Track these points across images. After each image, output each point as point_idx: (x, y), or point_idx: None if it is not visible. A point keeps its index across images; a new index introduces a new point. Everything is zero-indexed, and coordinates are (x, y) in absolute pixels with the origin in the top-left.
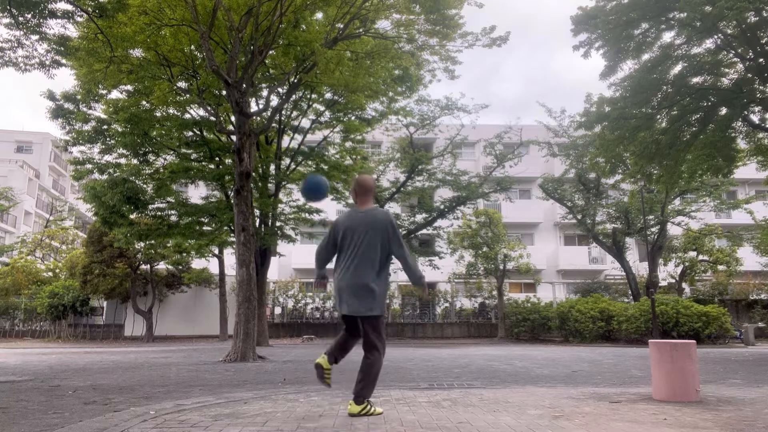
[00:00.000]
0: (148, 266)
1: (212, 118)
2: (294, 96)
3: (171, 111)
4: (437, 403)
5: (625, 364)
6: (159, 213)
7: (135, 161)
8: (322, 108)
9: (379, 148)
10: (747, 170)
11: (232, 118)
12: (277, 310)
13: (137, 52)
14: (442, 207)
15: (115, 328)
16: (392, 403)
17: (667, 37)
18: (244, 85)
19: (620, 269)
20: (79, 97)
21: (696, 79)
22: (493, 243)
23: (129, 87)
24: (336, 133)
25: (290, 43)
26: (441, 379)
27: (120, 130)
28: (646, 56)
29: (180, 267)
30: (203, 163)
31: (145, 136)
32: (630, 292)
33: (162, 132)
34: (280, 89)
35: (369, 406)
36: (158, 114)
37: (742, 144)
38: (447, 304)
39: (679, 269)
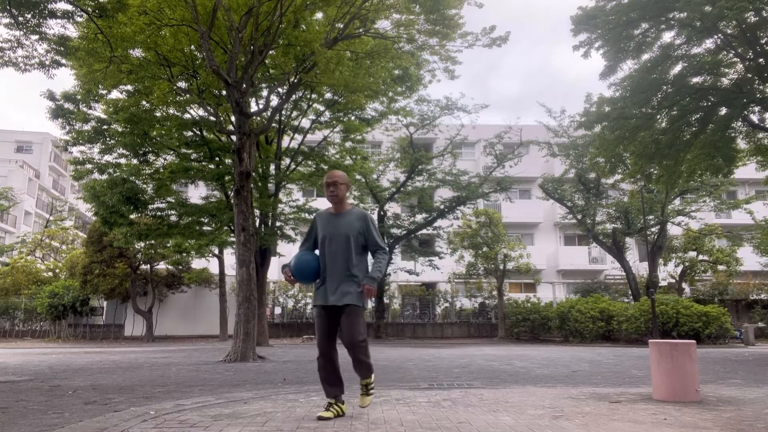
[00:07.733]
0: (148, 266)
1: (212, 118)
2: (294, 96)
3: (171, 111)
4: (437, 403)
5: (625, 364)
6: (159, 213)
7: (135, 161)
8: (322, 108)
9: (379, 148)
10: (747, 170)
11: (232, 118)
12: (277, 310)
13: (137, 52)
14: (442, 207)
15: (115, 328)
16: (392, 403)
17: (667, 37)
18: (244, 85)
19: (620, 269)
20: (79, 97)
21: (696, 79)
22: (493, 243)
23: (129, 87)
24: (336, 133)
25: (290, 43)
26: (441, 379)
27: (120, 130)
28: (646, 56)
29: (180, 267)
30: (203, 163)
31: (145, 136)
32: (630, 292)
33: (162, 132)
34: (280, 89)
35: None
36: (158, 114)
37: (742, 144)
38: (447, 304)
39: (679, 269)
